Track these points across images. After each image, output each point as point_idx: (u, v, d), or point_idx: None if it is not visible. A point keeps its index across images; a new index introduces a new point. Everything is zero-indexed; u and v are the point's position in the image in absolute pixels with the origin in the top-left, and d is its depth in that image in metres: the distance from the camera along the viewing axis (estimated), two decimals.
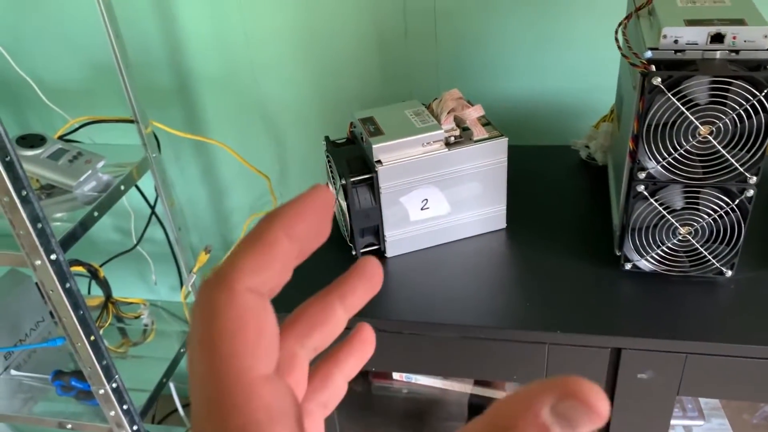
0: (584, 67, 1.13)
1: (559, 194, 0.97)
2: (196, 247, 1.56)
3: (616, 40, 0.75)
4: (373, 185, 0.81)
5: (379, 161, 0.80)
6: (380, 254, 0.87)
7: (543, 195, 0.97)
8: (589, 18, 1.08)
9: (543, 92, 1.17)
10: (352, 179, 0.80)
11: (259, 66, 1.25)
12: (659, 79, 0.66)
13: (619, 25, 0.78)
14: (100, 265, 1.33)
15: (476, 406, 1.03)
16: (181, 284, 1.39)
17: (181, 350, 1.25)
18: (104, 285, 1.30)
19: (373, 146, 0.79)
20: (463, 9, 1.12)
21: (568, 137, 1.16)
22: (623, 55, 0.71)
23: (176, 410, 1.77)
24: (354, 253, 0.86)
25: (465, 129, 0.84)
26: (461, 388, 1.01)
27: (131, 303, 1.32)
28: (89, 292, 1.42)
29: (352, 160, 0.83)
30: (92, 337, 0.98)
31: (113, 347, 1.27)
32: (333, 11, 1.17)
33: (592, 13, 1.07)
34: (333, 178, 0.87)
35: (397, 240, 0.85)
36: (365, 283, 0.26)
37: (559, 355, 0.75)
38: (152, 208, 1.32)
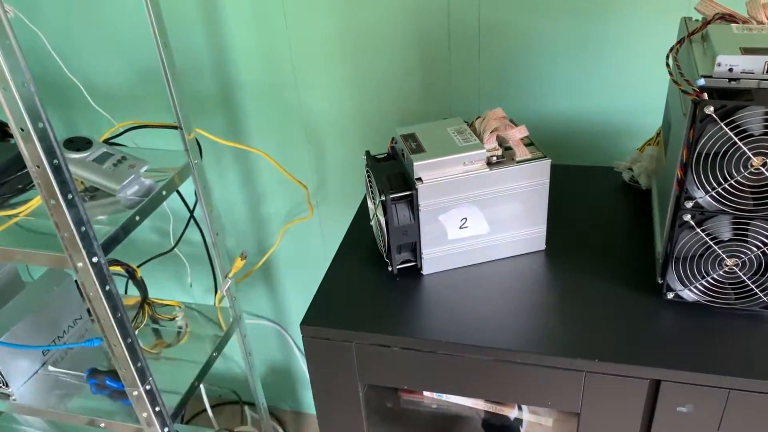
0: (629, 88, 1.11)
1: (601, 216, 0.95)
2: (232, 251, 1.57)
3: (668, 65, 0.74)
4: (412, 202, 0.81)
5: (419, 179, 0.80)
6: (417, 271, 0.87)
7: (584, 217, 0.95)
8: (637, 37, 1.06)
9: (586, 111, 1.16)
10: (391, 195, 0.80)
11: (302, 77, 1.26)
12: (712, 108, 0.64)
13: (671, 50, 0.76)
14: (138, 266, 1.35)
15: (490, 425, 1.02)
16: (216, 288, 1.40)
17: (214, 354, 1.26)
18: (141, 286, 1.31)
19: (414, 163, 0.79)
20: (507, 24, 1.12)
21: (610, 158, 1.14)
22: (674, 82, 0.70)
23: (205, 410, 1.79)
24: (390, 269, 0.86)
25: (507, 149, 0.83)
26: (486, 406, 0.99)
27: (167, 305, 1.33)
28: (126, 292, 1.44)
29: (392, 176, 0.83)
30: (129, 340, 0.99)
31: (147, 348, 1.29)
32: (377, 24, 1.17)
33: (641, 32, 1.05)
34: (372, 193, 0.87)
35: (434, 258, 0.85)
36: None
37: (596, 384, 0.73)
38: (191, 211, 1.33)
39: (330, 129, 1.32)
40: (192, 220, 1.37)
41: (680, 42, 0.77)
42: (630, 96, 1.12)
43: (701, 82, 0.67)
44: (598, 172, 1.06)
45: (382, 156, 0.89)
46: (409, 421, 1.09)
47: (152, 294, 1.39)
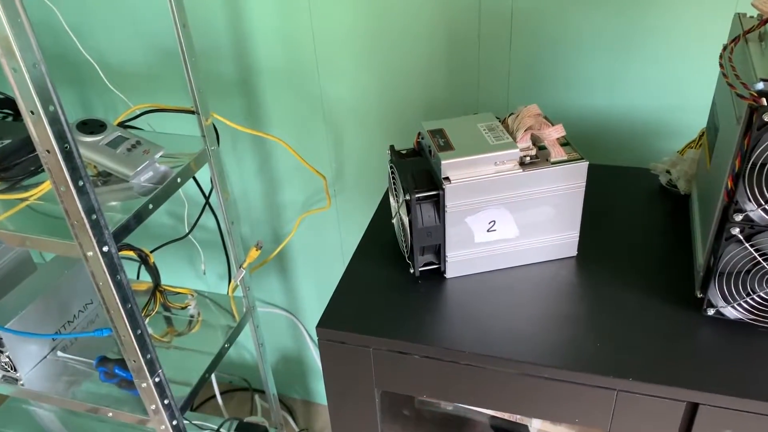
0: (669, 85, 1.05)
1: (636, 221, 0.90)
2: (247, 239, 1.54)
3: (721, 65, 0.69)
4: (438, 203, 0.76)
5: (447, 178, 0.75)
6: (440, 274, 0.82)
7: (618, 221, 0.90)
8: (680, 31, 1.00)
9: (621, 108, 1.10)
10: (416, 195, 0.75)
11: (324, 64, 1.22)
12: None
13: (724, 48, 0.71)
14: (151, 251, 1.32)
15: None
16: (230, 276, 1.37)
17: (226, 345, 1.23)
18: (153, 272, 1.28)
19: (442, 162, 0.74)
20: (540, 12, 1.06)
21: (645, 159, 1.09)
22: (729, 84, 0.65)
23: (214, 396, 1.77)
24: (412, 271, 0.82)
25: (542, 148, 0.79)
26: (504, 414, 0.96)
27: (179, 293, 1.30)
28: (138, 277, 1.41)
29: (417, 174, 0.78)
30: (138, 331, 0.96)
31: (158, 336, 1.26)
32: (403, 11, 1.12)
33: (685, 26, 0.99)
34: (395, 190, 0.83)
35: (459, 261, 0.81)
36: None
37: (628, 404, 0.69)
38: (207, 198, 1.30)
39: (350, 119, 1.27)
40: (207, 207, 1.33)
41: (735, 40, 0.71)
42: (669, 94, 1.06)
43: (760, 86, 0.61)
44: (632, 173, 1.01)
45: (407, 151, 0.84)
46: (424, 425, 1.05)
47: (165, 279, 1.36)
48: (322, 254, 1.50)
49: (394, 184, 0.82)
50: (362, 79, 1.21)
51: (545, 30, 1.07)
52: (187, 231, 1.39)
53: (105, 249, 0.87)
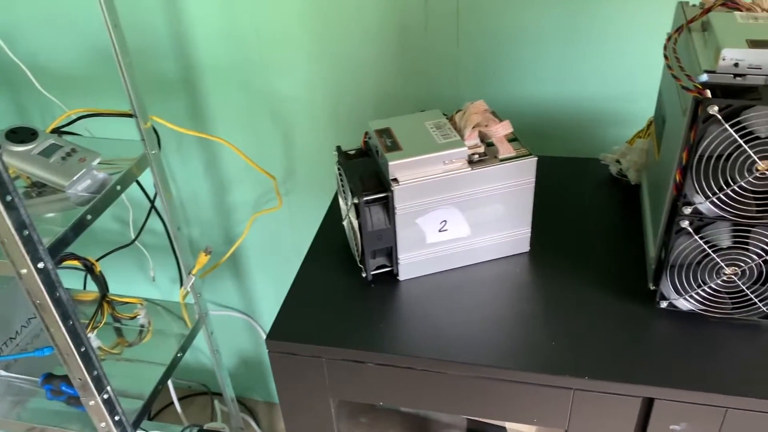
0: (617, 73, 1.05)
1: (587, 213, 0.90)
2: (197, 242, 1.50)
3: (665, 57, 0.68)
4: (387, 204, 0.74)
5: (395, 179, 0.73)
6: (393, 277, 0.80)
7: (568, 213, 0.90)
8: (627, 20, 0.99)
9: (570, 98, 1.10)
10: (365, 198, 0.73)
11: (269, 59, 1.18)
12: (716, 108, 0.59)
13: (668, 39, 0.70)
14: (97, 260, 1.27)
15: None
16: (181, 280, 1.32)
17: (179, 354, 1.20)
18: (100, 281, 1.23)
19: (390, 163, 0.72)
20: (488, 3, 1.04)
21: (596, 149, 1.08)
22: (674, 77, 0.64)
23: (172, 403, 1.73)
24: (364, 275, 0.79)
25: (490, 145, 0.77)
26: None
27: (127, 303, 1.26)
28: (84, 287, 1.36)
29: (365, 176, 0.76)
30: (83, 348, 0.92)
31: (107, 348, 1.22)
32: (349, 3, 1.09)
33: (632, 14, 0.99)
34: (344, 193, 0.81)
35: (412, 263, 0.79)
36: None
37: (585, 402, 0.68)
38: (152, 202, 1.25)
39: (299, 115, 1.24)
40: (153, 211, 1.29)
41: (678, 30, 0.71)
42: (617, 83, 1.06)
43: (704, 77, 0.61)
44: (583, 164, 1.00)
45: (355, 152, 0.82)
46: (384, 417, 1.04)
47: (114, 286, 1.31)
48: (277, 254, 1.47)
49: (342, 186, 0.80)
50: (309, 74, 1.18)
51: (493, 21, 1.06)
52: (133, 237, 1.34)
53: (41, 265, 0.82)
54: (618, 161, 0.93)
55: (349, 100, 1.19)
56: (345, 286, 0.81)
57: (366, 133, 0.81)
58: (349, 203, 0.77)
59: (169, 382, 1.46)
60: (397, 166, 0.72)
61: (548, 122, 1.13)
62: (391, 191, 0.72)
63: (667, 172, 0.70)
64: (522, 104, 1.12)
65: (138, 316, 1.25)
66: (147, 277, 1.59)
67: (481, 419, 0.95)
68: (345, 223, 0.84)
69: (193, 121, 1.29)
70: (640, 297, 0.75)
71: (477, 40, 1.08)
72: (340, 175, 0.80)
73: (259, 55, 1.18)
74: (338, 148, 0.81)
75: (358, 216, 0.75)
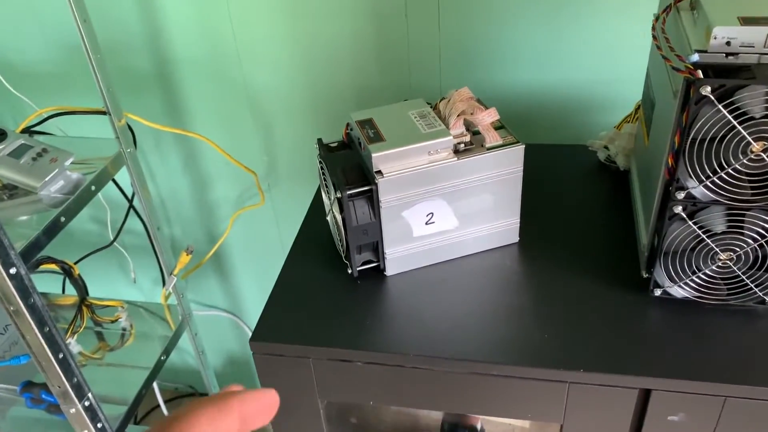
0: (602, 57, 1.03)
1: (576, 201, 0.88)
2: (179, 240, 1.47)
3: (654, 38, 0.66)
4: (372, 198, 0.71)
5: (379, 171, 0.70)
6: (380, 272, 0.78)
7: (557, 202, 0.88)
8: (610, 1, 0.97)
9: (555, 83, 1.08)
10: (348, 192, 0.70)
11: (246, 50, 1.15)
12: (709, 89, 0.57)
13: (656, 19, 0.68)
14: (76, 262, 1.23)
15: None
16: (164, 281, 1.29)
17: (162, 357, 1.17)
18: (79, 285, 1.20)
19: (373, 155, 0.70)
20: None
21: (584, 135, 1.07)
22: (663, 57, 0.62)
23: (158, 406, 1.70)
24: (350, 271, 0.77)
25: (476, 133, 0.75)
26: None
27: (108, 306, 1.22)
28: (63, 291, 1.32)
29: (348, 168, 0.73)
30: (61, 355, 0.89)
31: (88, 352, 1.19)
32: None
33: None
34: (326, 187, 0.78)
35: (399, 257, 0.76)
36: (263, 413, 0.30)
37: (581, 395, 0.67)
38: (130, 201, 1.22)
39: (278, 107, 1.21)
40: (132, 211, 1.25)
41: (666, 10, 0.68)
42: (602, 66, 1.04)
43: (695, 57, 0.59)
44: (570, 151, 0.98)
45: (337, 144, 0.79)
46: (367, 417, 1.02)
47: (95, 289, 1.28)
48: (262, 251, 1.44)
49: (325, 180, 0.77)
50: (287, 64, 1.15)
51: (475, 4, 1.03)
52: (112, 238, 1.30)
53: (12, 271, 0.79)
54: (606, 147, 0.91)
55: (328, 90, 1.17)
56: (331, 283, 0.78)
57: (347, 125, 0.78)
58: (332, 198, 0.74)
59: (155, 385, 1.43)
60: (380, 158, 0.70)
61: (533, 109, 1.11)
62: (375, 184, 0.70)
63: (658, 157, 0.69)
64: (506, 91, 1.10)
65: (119, 320, 1.22)
66: (128, 279, 1.55)
67: (473, 415, 0.93)
68: (329, 218, 0.82)
69: (169, 116, 1.26)
70: (633, 285, 0.73)
71: (459, 25, 1.06)
72: (321, 168, 0.77)
73: (234, 47, 1.14)
74: (319, 141, 0.79)
75: (341, 210, 0.72)
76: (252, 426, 0.30)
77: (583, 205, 0.87)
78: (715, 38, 0.58)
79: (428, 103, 0.79)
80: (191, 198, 1.39)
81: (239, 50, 1.15)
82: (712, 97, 0.57)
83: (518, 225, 0.79)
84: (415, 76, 1.12)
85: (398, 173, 0.70)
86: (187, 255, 1.15)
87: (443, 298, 0.74)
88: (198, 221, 1.43)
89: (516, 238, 0.81)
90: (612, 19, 0.99)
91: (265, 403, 0.31)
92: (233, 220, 1.35)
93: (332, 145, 0.79)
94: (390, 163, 0.70)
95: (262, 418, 0.30)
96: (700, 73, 0.57)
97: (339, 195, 0.70)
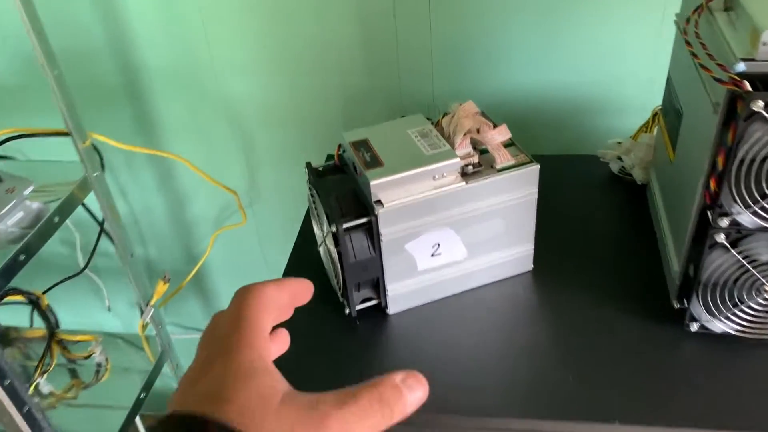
0: (605, 56, 0.95)
1: (590, 219, 0.80)
2: (155, 262, 1.37)
3: (687, 43, 0.58)
4: (371, 230, 0.63)
5: (378, 201, 0.62)
6: (381, 310, 0.70)
7: (570, 221, 0.80)
8: None
9: (555, 85, 1.00)
10: (344, 225, 0.62)
11: (221, 57, 1.05)
12: (761, 104, 0.49)
13: (686, 20, 0.60)
14: (45, 291, 1.14)
15: None
16: (141, 311, 1.20)
17: (142, 395, 1.08)
18: (48, 318, 1.11)
19: (371, 182, 0.61)
20: None
21: (585, 139, 1.00)
22: (702, 66, 0.54)
23: None
24: (348, 311, 0.69)
25: (483, 152, 0.67)
26: None
27: (80, 341, 1.13)
28: (31, 324, 1.22)
29: (342, 197, 0.65)
30: (25, 408, 0.80)
31: (60, 392, 1.09)
32: None
33: None
34: (318, 217, 0.69)
35: (402, 294, 0.68)
36: (305, 294, 0.40)
37: None
38: (101, 225, 1.12)
39: (259, 117, 1.12)
40: (104, 234, 1.16)
41: (697, 10, 0.61)
42: (606, 66, 0.97)
43: (741, 67, 0.51)
44: (579, 162, 0.90)
45: (328, 167, 0.71)
46: None
47: (67, 316, 1.18)
48: (244, 270, 1.35)
49: (316, 209, 0.69)
50: (266, 72, 1.06)
51: (467, 3, 0.95)
52: (82, 265, 1.21)
53: None
54: (619, 158, 0.84)
55: (312, 98, 1.08)
56: (326, 324, 0.70)
57: (339, 146, 0.70)
58: (325, 230, 0.66)
59: (137, 419, 1.34)
60: (379, 186, 0.62)
61: (532, 114, 1.03)
62: (375, 215, 0.62)
63: (687, 175, 0.61)
64: (502, 94, 1.02)
65: (93, 354, 1.12)
66: (103, 305, 1.46)
67: None
68: (321, 249, 0.73)
69: (140, 132, 1.16)
70: (663, 316, 0.66)
71: (451, 25, 0.98)
72: (312, 196, 0.69)
73: (208, 55, 1.05)
74: (308, 165, 0.70)
75: (336, 244, 0.64)
76: (298, 302, 0.39)
77: (598, 224, 0.79)
78: (764, 44, 0.50)
79: (428, 119, 0.70)
80: (167, 217, 1.30)
81: (213, 58, 1.06)
82: (766, 114, 0.49)
83: (532, 252, 0.72)
84: (406, 81, 1.04)
85: (400, 202, 0.62)
86: (165, 283, 1.06)
87: (452, 339, 0.66)
88: (175, 241, 1.34)
89: (530, 266, 0.73)
90: (613, 17, 0.92)
91: (307, 286, 0.40)
92: (213, 240, 1.26)
93: (323, 168, 0.71)
94: (390, 191, 0.62)
95: (305, 297, 0.40)
96: (747, 85, 0.50)
97: (334, 229, 0.62)
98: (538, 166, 0.65)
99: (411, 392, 0.33)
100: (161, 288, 1.06)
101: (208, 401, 0.30)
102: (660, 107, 0.79)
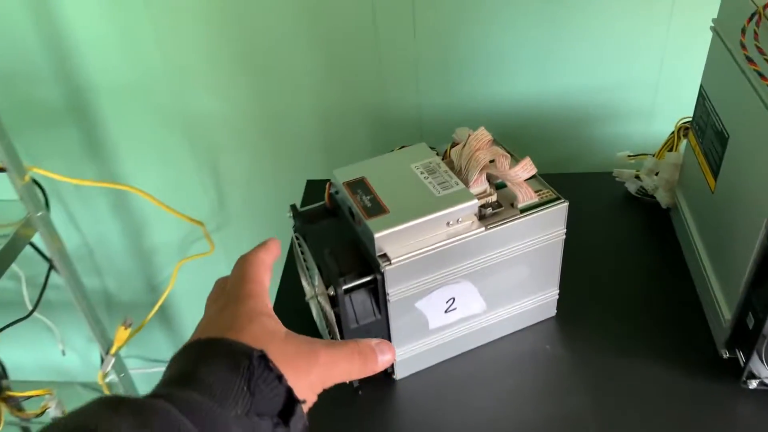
0: (608, 60, 0.87)
1: (610, 250, 0.71)
2: (114, 294, 1.24)
3: (749, 59, 0.49)
4: (375, 289, 0.53)
5: (384, 255, 0.52)
6: (386, 375, 0.60)
7: (589, 253, 0.71)
8: None
9: (554, 92, 0.91)
10: (345, 286, 0.52)
11: (176, 71, 0.94)
12: None
13: (743, 31, 0.51)
14: None
15: None
16: (102, 359, 1.07)
17: None
18: None
19: (376, 235, 0.51)
20: None
21: (588, 148, 0.91)
22: None
23: None
24: (349, 381, 0.58)
25: (500, 186, 0.57)
26: None
27: (31, 396, 1.00)
28: None
29: (339, 250, 0.54)
30: None
31: None
32: None
33: None
34: (306, 268, 0.59)
35: (410, 357, 0.58)
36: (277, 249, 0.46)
37: None
38: (50, 264, 0.99)
39: (223, 134, 1.01)
40: (53, 271, 1.03)
41: (753, 18, 0.52)
42: (609, 70, 0.88)
43: None
44: (591, 180, 0.82)
45: (317, 210, 0.60)
46: None
47: (18, 364, 1.05)
48: None
49: (305, 260, 0.58)
50: (228, 86, 0.95)
51: (455, 5, 0.85)
52: (29, 306, 1.08)
53: None
54: (637, 177, 0.75)
55: (283, 112, 0.97)
56: (322, 393, 0.59)
57: (330, 184, 0.59)
58: (318, 287, 0.55)
59: None
60: (385, 238, 0.51)
61: (531, 125, 0.94)
62: (381, 273, 0.51)
63: (739, 211, 0.53)
64: (497, 104, 0.93)
65: (47, 410, 1.00)
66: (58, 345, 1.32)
67: None
68: (311, 304, 0.63)
69: (89, 155, 1.03)
70: (709, 368, 0.58)
71: (438, 30, 0.88)
72: (299, 245, 0.58)
73: (162, 69, 0.93)
74: (293, 209, 0.59)
75: (334, 305, 0.53)
76: (274, 257, 0.45)
77: (621, 255, 0.71)
78: None
79: (432, 149, 0.60)
80: (125, 246, 1.17)
81: (168, 73, 0.94)
82: None
83: (557, 296, 0.62)
84: (390, 91, 0.94)
85: (410, 256, 0.52)
86: (126, 329, 0.94)
87: (469, 404, 0.57)
88: (135, 271, 1.21)
89: (553, 312, 0.64)
90: (615, 18, 0.83)
91: (277, 243, 0.46)
92: (177, 271, 1.13)
93: (310, 211, 0.60)
94: (398, 243, 0.52)
95: (278, 251, 0.46)
96: None
97: (331, 292, 0.51)
98: (567, 203, 0.56)
99: (382, 354, 0.42)
100: (122, 335, 0.94)
101: (223, 332, 0.36)
102: (685, 121, 0.71)
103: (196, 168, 1.05)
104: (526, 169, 0.54)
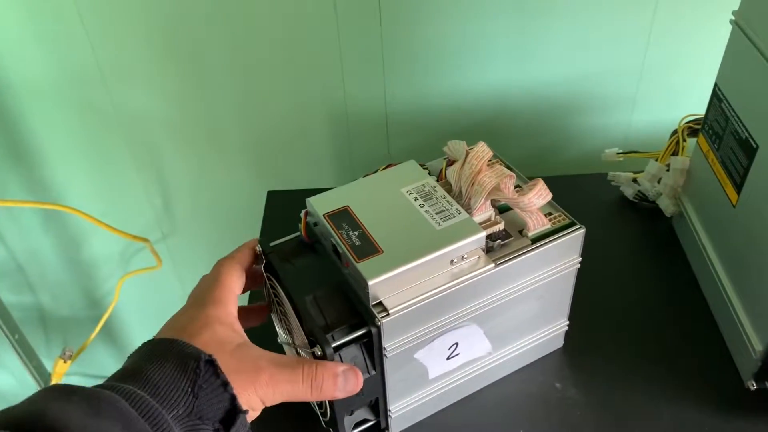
0: (590, 44, 0.80)
1: (611, 266, 0.65)
2: (51, 310, 1.12)
3: None
4: (369, 343, 0.45)
5: (379, 304, 0.44)
6: (379, 430, 0.52)
7: (589, 267, 0.64)
8: None
9: (530, 82, 0.84)
10: (334, 344, 0.43)
11: (112, 65, 0.82)
12: None
13: None
14: None
15: None
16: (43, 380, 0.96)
17: None
18: None
19: (369, 282, 0.42)
20: None
21: (568, 138, 0.85)
22: None
23: None
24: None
25: (503, 210, 0.49)
26: None
27: None
28: None
29: (323, 296, 0.46)
30: None
31: None
32: None
33: None
34: (281, 312, 0.50)
35: (408, 410, 0.51)
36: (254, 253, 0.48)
37: None
38: None
39: (165, 135, 0.90)
40: None
41: None
42: (592, 57, 0.81)
43: None
44: (581, 184, 0.75)
45: (291, 245, 0.51)
46: None
47: None
48: (164, 312, 1.12)
49: (279, 304, 0.49)
50: (170, 81, 0.84)
51: None
52: None
53: None
54: (635, 181, 0.69)
55: (231, 110, 0.87)
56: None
57: (305, 213, 0.50)
58: (298, 338, 0.46)
59: None
60: (381, 285, 0.43)
61: (508, 119, 0.87)
62: (377, 327, 0.43)
63: (762, 227, 0.47)
64: (470, 98, 0.85)
65: None
66: None
67: None
68: (285, 348, 0.54)
69: (13, 165, 0.91)
70: (734, 401, 0.52)
71: (406, 14, 0.79)
72: (272, 287, 0.49)
73: (95, 64, 0.81)
74: (262, 243, 0.50)
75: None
76: (250, 262, 0.47)
77: (623, 272, 0.65)
78: None
79: (423, 167, 0.52)
80: (58, 259, 1.05)
81: (101, 66, 0.82)
82: None
83: (566, 328, 0.56)
84: (354, 83, 0.85)
85: (410, 305, 0.44)
86: (65, 362, 0.83)
87: None
88: (73, 286, 1.10)
89: (560, 344, 0.57)
90: (597, 5, 0.76)
91: (254, 243, 0.48)
92: (120, 286, 1.02)
93: (284, 247, 0.51)
94: (395, 290, 0.44)
95: (251, 258, 0.47)
96: None
97: (319, 352, 0.43)
98: (584, 230, 0.49)
99: (346, 383, 0.41)
100: (61, 368, 0.84)
101: (177, 334, 0.38)
102: (689, 121, 0.64)
103: (136, 171, 0.93)
104: (540, 195, 0.46)
